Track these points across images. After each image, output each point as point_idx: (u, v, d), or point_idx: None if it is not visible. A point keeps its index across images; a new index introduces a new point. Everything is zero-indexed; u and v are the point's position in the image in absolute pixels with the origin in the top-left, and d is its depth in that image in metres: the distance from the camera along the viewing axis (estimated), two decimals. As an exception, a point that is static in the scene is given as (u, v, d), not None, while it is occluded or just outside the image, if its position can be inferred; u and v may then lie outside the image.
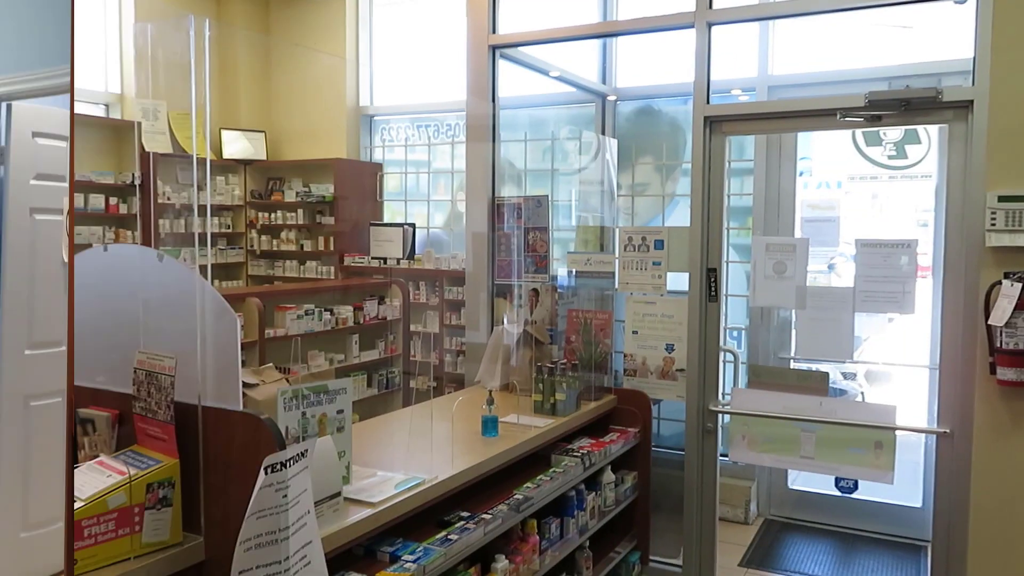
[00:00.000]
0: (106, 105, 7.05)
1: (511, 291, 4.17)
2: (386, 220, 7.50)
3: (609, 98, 5.47)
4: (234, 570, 1.55)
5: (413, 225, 7.22)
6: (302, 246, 7.53)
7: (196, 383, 1.73)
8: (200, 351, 1.72)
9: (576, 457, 3.23)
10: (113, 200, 6.58)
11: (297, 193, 7.51)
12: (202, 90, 1.65)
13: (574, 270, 4.11)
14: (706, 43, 3.54)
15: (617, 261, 3.97)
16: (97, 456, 1.80)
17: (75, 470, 1.75)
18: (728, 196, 3.75)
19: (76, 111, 7.09)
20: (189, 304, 1.74)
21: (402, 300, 5.73)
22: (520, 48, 4.31)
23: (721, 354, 3.79)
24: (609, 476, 3.48)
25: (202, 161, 1.83)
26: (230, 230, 7.65)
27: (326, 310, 5.08)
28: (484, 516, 2.60)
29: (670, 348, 3.81)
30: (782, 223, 4.83)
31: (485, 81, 4.21)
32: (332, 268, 7.28)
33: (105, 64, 7.00)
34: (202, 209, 1.85)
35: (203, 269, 1.78)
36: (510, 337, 3.87)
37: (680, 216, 5.44)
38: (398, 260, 6.82)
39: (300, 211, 7.49)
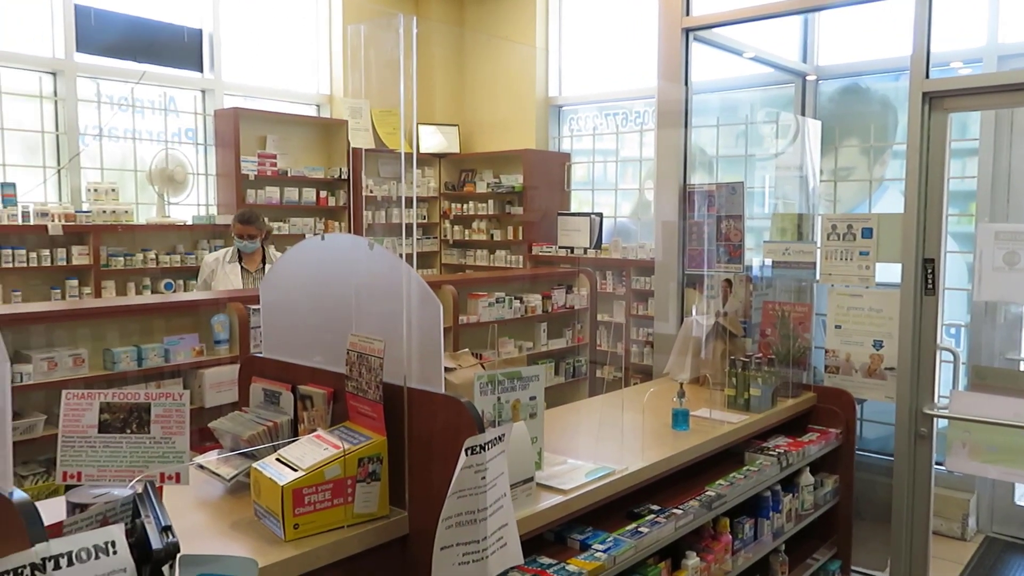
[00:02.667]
0: (317, 105, 7.62)
1: (702, 281, 4.04)
2: (573, 210, 7.53)
3: (808, 77, 5.15)
4: (436, 545, 1.62)
5: (600, 214, 7.25)
6: (492, 236, 7.75)
7: (402, 365, 1.82)
8: (406, 335, 1.81)
9: (772, 456, 3.08)
10: (323, 193, 7.11)
11: (488, 184, 7.73)
12: (409, 86, 1.73)
13: (771, 260, 3.92)
14: (926, 11, 3.23)
15: (819, 251, 3.73)
16: (315, 430, 1.94)
17: (295, 442, 1.90)
18: (948, 179, 3.39)
19: (292, 112, 7.66)
20: (396, 290, 1.83)
21: (590, 289, 5.73)
22: (714, 29, 4.15)
23: (938, 353, 3.46)
24: (808, 478, 3.29)
25: (407, 156, 1.90)
26: (425, 220, 8.03)
27: (516, 298, 5.19)
28: (675, 511, 2.54)
29: (878, 344, 3.53)
30: (1013, 208, 4.33)
31: (677, 65, 4.10)
32: (521, 257, 7.44)
33: (316, 67, 7.56)
34: (408, 201, 1.93)
35: (408, 257, 1.86)
36: (701, 329, 3.75)
37: (889, 202, 5.03)
38: (585, 249, 6.89)
39: (491, 202, 7.71)
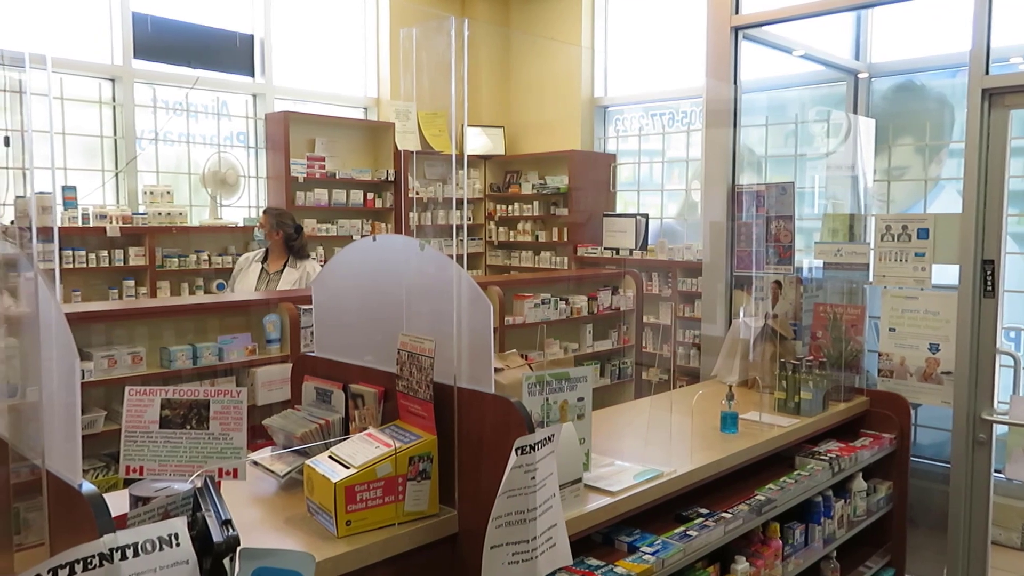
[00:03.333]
0: (364, 108, 7.71)
1: (751, 283, 3.99)
2: (619, 211, 7.50)
3: (860, 75, 5.05)
4: (486, 544, 1.62)
5: (646, 215, 7.22)
6: (537, 237, 7.76)
7: (452, 365, 1.83)
8: (456, 334, 1.82)
9: (823, 461, 3.03)
10: (370, 195, 7.19)
11: (533, 185, 7.74)
12: (460, 89, 1.74)
13: (822, 261, 3.85)
14: (986, 4, 3.15)
15: (872, 252, 3.65)
16: (366, 428, 1.97)
17: (347, 440, 1.93)
18: (1008, 178, 3.30)
19: (340, 115, 7.76)
20: (447, 290, 1.85)
21: (636, 291, 5.70)
22: (764, 27, 4.10)
23: (997, 357, 3.36)
24: (860, 484, 3.23)
25: (454, 157, 1.91)
26: (471, 222, 8.07)
27: (561, 299, 5.19)
28: (724, 515, 2.52)
29: (934, 348, 3.44)
30: (1077, 209, 4.18)
31: (726, 64, 4.06)
32: (565, 258, 7.43)
33: (364, 71, 7.66)
34: (458, 202, 1.94)
35: (459, 258, 1.88)
36: (749, 331, 3.70)
37: (945, 202, 4.91)
38: (631, 250, 6.86)
39: (536, 203, 7.72)
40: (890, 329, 3.58)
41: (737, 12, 3.99)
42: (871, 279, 3.67)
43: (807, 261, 3.97)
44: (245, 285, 4.66)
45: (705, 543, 2.38)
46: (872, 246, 3.66)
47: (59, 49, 5.73)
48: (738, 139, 4.17)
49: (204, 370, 3.66)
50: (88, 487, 1.17)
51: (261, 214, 4.74)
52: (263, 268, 4.72)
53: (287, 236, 4.75)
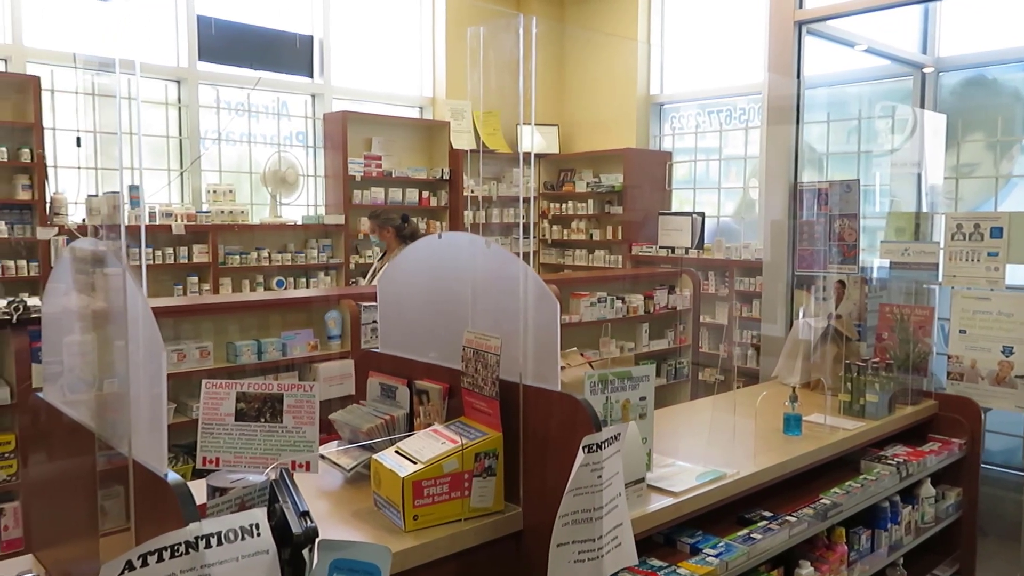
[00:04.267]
0: (420, 107, 7.78)
1: (813, 282, 3.91)
2: (675, 209, 7.43)
3: (926, 70, 4.91)
4: (553, 542, 1.63)
5: (702, 214, 7.13)
6: (591, 235, 7.73)
7: (518, 362, 1.84)
8: (522, 332, 1.83)
9: (890, 465, 2.95)
10: (425, 193, 7.25)
11: (587, 184, 7.71)
12: (528, 86, 1.75)
13: (888, 261, 3.75)
14: (1067, -4, 3.03)
15: (941, 251, 3.55)
16: (431, 424, 1.99)
17: (413, 435, 1.95)
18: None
19: (396, 114, 7.85)
20: (513, 288, 1.85)
21: (693, 290, 5.64)
22: (828, 22, 4.01)
23: (1076, 361, 3.24)
24: (928, 490, 3.14)
25: (521, 155, 1.92)
26: (524, 220, 8.07)
27: (617, 298, 5.17)
28: (788, 518, 2.47)
29: (1008, 351, 3.33)
30: None
31: (789, 59, 3.98)
32: (620, 257, 7.39)
33: (420, 70, 7.72)
34: (522, 201, 1.95)
35: (525, 255, 1.88)
36: (811, 331, 3.63)
37: (1017, 200, 4.74)
38: (686, 249, 6.79)
39: (590, 201, 7.69)
40: (960, 331, 3.47)
41: (801, 7, 3.91)
42: (940, 279, 3.56)
43: (872, 260, 3.87)
44: (374, 282, 4.85)
45: (769, 546, 2.34)
46: (941, 245, 3.55)
47: (129, 52, 5.91)
48: (801, 136, 4.09)
49: (267, 365, 3.74)
50: (174, 477, 1.21)
51: (368, 220, 5.01)
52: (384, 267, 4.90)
53: (397, 228, 4.93)
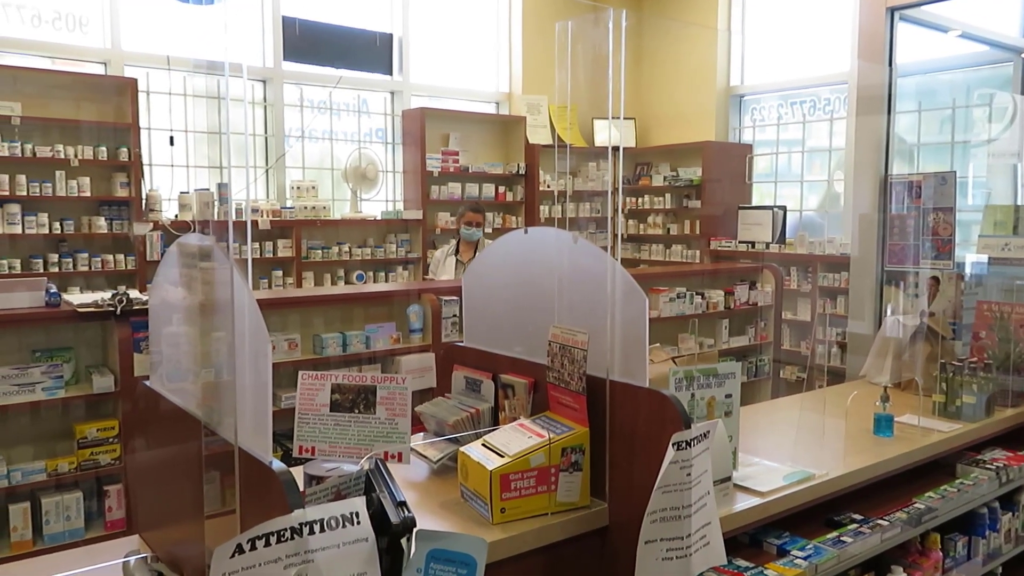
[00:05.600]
0: (496, 103, 7.82)
1: (904, 278, 3.77)
2: (755, 203, 7.27)
3: (1026, 55, 4.66)
4: (641, 539, 1.62)
5: (784, 208, 6.96)
6: (668, 230, 7.63)
7: (605, 357, 1.83)
8: (609, 327, 1.82)
9: (989, 470, 2.83)
10: (501, 188, 7.29)
11: (664, 178, 7.61)
12: (618, 80, 1.74)
13: (987, 256, 3.59)
14: None
15: (1045, 246, 3.37)
16: (516, 418, 2.00)
17: (499, 429, 1.97)
18: None
19: (472, 110, 7.92)
20: (600, 283, 1.85)
21: (774, 286, 5.51)
22: (922, 7, 3.86)
23: None
24: (1030, 496, 3.00)
25: (611, 150, 1.91)
26: (599, 215, 8.02)
27: (697, 294, 5.09)
28: (880, 522, 2.40)
29: (1119, 352, 3.14)
30: None
31: (880, 46, 3.85)
32: (697, 252, 7.28)
33: (496, 66, 7.76)
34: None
35: (613, 251, 1.88)
36: (901, 329, 3.50)
37: None
38: (767, 244, 6.63)
39: (667, 195, 7.59)
40: (1066, 330, 3.29)
41: (894, -8, 3.78)
42: (1043, 276, 3.39)
43: (969, 256, 3.71)
44: (446, 276, 4.90)
45: (860, 550, 2.28)
46: (1045, 240, 3.38)
47: (219, 54, 6.13)
48: (892, 126, 3.95)
49: (351, 357, 3.82)
50: (279, 465, 1.25)
51: (469, 211, 4.98)
52: (457, 260, 4.94)
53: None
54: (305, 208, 6.13)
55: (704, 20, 7.57)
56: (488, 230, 6.41)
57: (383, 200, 7.01)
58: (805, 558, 2.15)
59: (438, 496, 1.97)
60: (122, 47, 5.83)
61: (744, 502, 2.10)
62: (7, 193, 5.02)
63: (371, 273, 6.49)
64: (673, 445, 1.60)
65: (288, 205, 6.18)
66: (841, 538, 2.28)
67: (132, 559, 1.64)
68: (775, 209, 6.72)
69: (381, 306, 4.10)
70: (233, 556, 1.12)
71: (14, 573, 1.62)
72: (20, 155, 5.04)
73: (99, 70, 5.80)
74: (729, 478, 2.07)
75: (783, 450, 2.54)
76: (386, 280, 6.53)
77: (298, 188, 6.29)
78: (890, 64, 3.85)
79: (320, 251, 6.22)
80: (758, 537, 2.26)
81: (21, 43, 5.48)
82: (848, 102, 6.63)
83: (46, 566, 1.72)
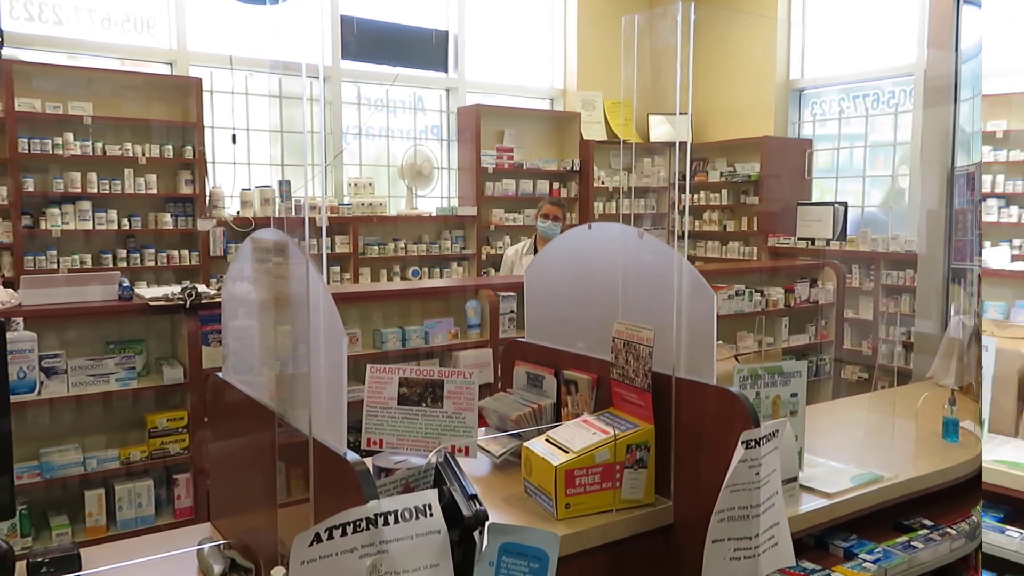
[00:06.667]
0: (551, 99, 7.81)
1: (964, 276, 3.65)
2: (815, 199, 7.12)
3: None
4: (708, 538, 1.61)
5: (845, 204, 6.81)
6: (725, 226, 7.53)
7: (671, 354, 1.82)
8: (675, 324, 1.81)
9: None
10: (555, 184, 7.28)
11: (721, 173, 7.51)
12: (686, 75, 1.72)
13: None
14: None
15: None
16: (579, 415, 2.00)
17: (562, 425, 1.97)
18: None
19: (527, 106, 7.92)
20: (666, 279, 1.83)
21: (836, 284, 5.39)
22: (993, -5, 3.72)
23: None
24: (1110, 506, 2.87)
25: (677, 146, 1.89)
26: (654, 211, 7.96)
27: (756, 291, 5.01)
28: (950, 530, 2.33)
29: None
30: None
31: (947, 34, 3.72)
32: (755, 249, 7.17)
33: (551, 62, 7.75)
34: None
35: (680, 246, 1.86)
36: (963, 329, 3.40)
37: None
38: (827, 241, 6.49)
39: (724, 191, 7.49)
40: None
41: (965, -22, 3.65)
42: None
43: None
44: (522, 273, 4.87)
45: (931, 558, 2.22)
46: None
47: (278, 53, 6.25)
48: (958, 116, 3.83)
49: (410, 352, 3.87)
50: (353, 456, 1.27)
51: (548, 204, 4.90)
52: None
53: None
54: (362, 205, 6.21)
55: (763, 11, 7.44)
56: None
57: (438, 196, 7.07)
58: (874, 562, 2.10)
59: (501, 491, 1.98)
60: (187, 47, 5.98)
61: (810, 503, 2.06)
62: (79, 190, 5.21)
63: (426, 269, 6.55)
64: (742, 443, 1.58)
65: (345, 202, 6.27)
66: (911, 543, 2.22)
67: (206, 546, 1.69)
68: (836, 205, 6.57)
69: (439, 301, 4.13)
70: (312, 544, 1.14)
71: (98, 556, 1.68)
72: (91, 153, 5.22)
73: (165, 70, 5.97)
74: (795, 478, 2.04)
75: (847, 451, 2.49)
76: (441, 276, 6.58)
77: (355, 185, 6.38)
78: (956, 51, 3.73)
79: (376, 247, 6.30)
80: (824, 539, 2.22)
81: (93, 45, 5.67)
82: (914, 94, 6.44)
83: (126, 550, 1.78)
